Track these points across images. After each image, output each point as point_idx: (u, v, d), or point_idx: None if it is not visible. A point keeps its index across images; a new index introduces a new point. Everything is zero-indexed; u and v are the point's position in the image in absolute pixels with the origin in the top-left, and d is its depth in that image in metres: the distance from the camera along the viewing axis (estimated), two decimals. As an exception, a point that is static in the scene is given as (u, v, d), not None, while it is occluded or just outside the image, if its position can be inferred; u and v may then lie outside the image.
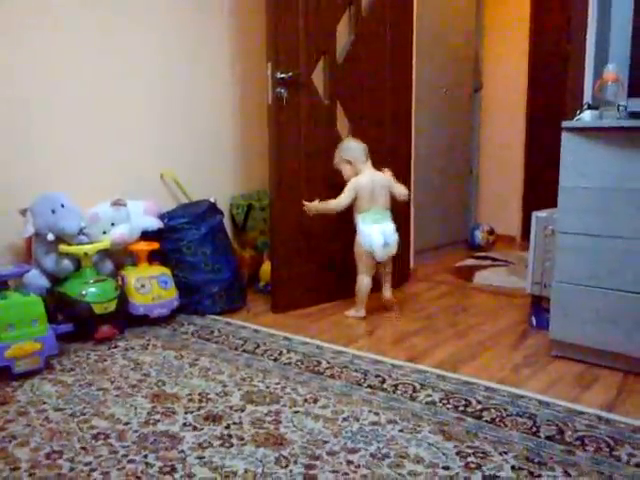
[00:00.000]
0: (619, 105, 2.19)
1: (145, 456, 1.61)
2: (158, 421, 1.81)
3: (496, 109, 4.90)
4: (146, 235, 2.84)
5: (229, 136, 3.46)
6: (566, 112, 2.68)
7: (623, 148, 2.11)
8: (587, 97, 2.55)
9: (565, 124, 2.23)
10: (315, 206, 2.87)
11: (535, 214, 2.71)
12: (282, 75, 2.80)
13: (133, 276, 2.71)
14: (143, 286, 2.69)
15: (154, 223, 2.87)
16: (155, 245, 2.82)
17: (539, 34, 4.66)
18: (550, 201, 2.49)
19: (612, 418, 1.84)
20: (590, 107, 2.32)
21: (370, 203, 2.83)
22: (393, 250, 2.88)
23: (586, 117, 2.25)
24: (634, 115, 2.17)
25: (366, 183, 2.84)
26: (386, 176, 2.92)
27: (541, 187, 4.58)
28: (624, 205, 2.13)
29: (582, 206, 2.22)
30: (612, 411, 1.90)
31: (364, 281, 2.87)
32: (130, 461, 1.58)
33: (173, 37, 3.12)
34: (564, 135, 2.23)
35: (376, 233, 2.80)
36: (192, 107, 3.24)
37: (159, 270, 2.80)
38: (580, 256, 2.24)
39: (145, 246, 2.80)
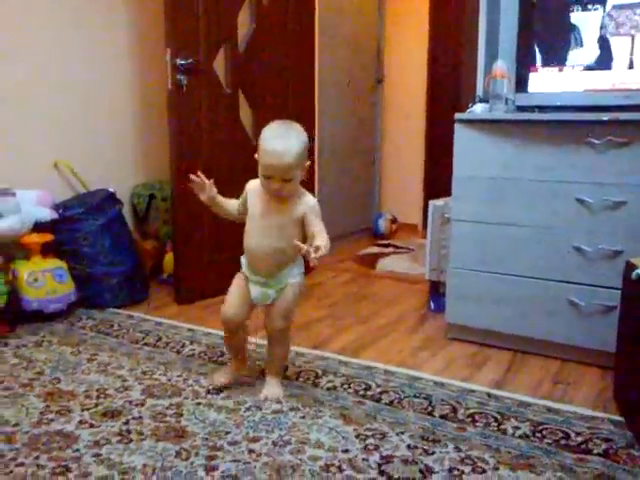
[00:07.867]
0: (507, 99, 2.32)
1: (36, 457, 1.54)
2: (52, 420, 1.74)
3: (398, 100, 5.03)
4: (40, 226, 2.70)
5: (129, 124, 3.34)
6: (462, 104, 2.79)
7: (512, 139, 2.23)
8: (479, 91, 2.67)
9: (457, 116, 2.32)
10: (325, 248, 1.66)
11: (432, 202, 2.82)
12: (181, 62, 2.73)
13: (25, 270, 2.57)
14: (36, 280, 2.56)
15: (47, 214, 2.72)
16: (49, 237, 2.69)
17: (438, 28, 4.80)
18: (449, 190, 2.58)
19: (501, 395, 1.96)
20: (482, 100, 2.43)
21: None
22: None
23: (477, 110, 2.36)
24: (521, 109, 2.30)
25: None
26: None
27: (441, 176, 4.74)
28: (514, 194, 2.25)
29: (474, 195, 2.33)
30: (501, 388, 2.02)
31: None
32: (19, 464, 1.51)
33: (69, 23, 2.96)
34: (457, 127, 2.33)
35: None
36: (89, 93, 3.10)
37: (54, 263, 2.67)
38: (474, 242, 2.35)
39: (38, 238, 2.66)
